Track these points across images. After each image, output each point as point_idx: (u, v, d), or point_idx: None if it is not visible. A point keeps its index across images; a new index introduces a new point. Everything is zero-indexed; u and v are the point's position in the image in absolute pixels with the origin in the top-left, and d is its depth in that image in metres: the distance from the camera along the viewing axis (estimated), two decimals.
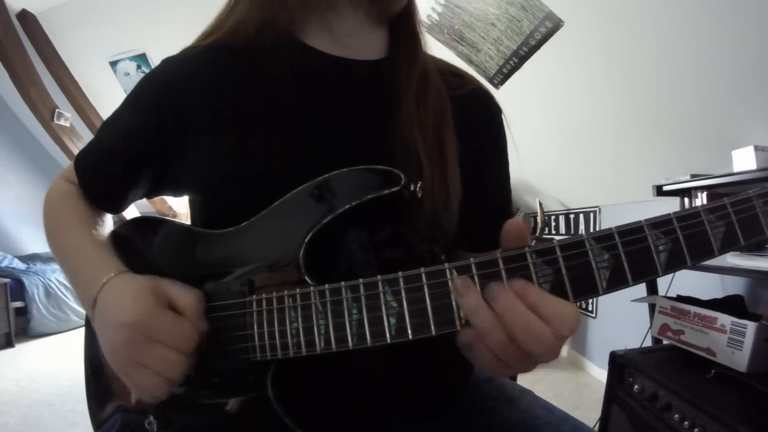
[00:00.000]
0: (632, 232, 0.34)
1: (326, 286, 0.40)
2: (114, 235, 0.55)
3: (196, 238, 0.51)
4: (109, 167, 0.54)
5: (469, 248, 0.59)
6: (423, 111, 0.51)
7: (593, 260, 0.34)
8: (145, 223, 0.55)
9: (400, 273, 0.38)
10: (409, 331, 0.37)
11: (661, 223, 0.34)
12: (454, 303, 0.36)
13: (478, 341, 0.35)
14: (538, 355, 0.33)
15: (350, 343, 0.38)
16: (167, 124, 0.50)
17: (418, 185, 0.46)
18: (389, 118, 0.51)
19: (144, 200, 0.64)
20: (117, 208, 0.58)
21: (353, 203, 0.43)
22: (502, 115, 0.61)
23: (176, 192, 0.57)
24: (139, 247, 0.54)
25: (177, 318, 0.41)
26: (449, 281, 0.36)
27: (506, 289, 0.34)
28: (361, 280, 0.39)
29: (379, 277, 0.38)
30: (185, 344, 0.40)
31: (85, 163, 0.56)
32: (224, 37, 0.52)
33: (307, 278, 0.43)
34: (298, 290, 0.41)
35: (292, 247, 0.44)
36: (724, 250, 0.33)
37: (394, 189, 0.43)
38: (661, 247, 0.33)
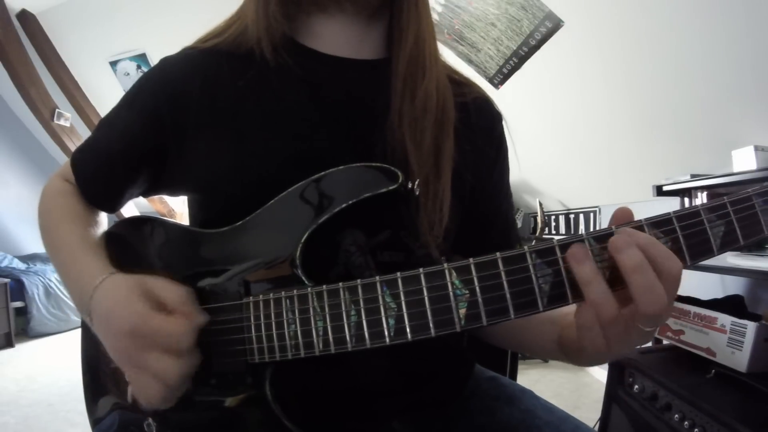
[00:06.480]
0: None
1: (324, 287, 0.40)
2: (108, 234, 0.55)
3: (190, 238, 0.50)
4: (106, 167, 0.54)
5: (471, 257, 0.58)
6: (410, 105, 0.49)
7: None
8: (140, 223, 0.54)
9: (398, 273, 0.37)
10: (408, 333, 0.36)
11: (661, 222, 0.33)
12: (453, 303, 0.35)
13: (595, 321, 0.33)
14: (651, 317, 0.32)
15: (349, 345, 0.38)
16: (165, 124, 0.50)
17: (416, 183, 0.45)
18: (384, 119, 0.50)
19: (144, 201, 0.64)
20: (113, 207, 0.57)
21: (350, 202, 0.42)
22: (504, 123, 0.61)
23: (173, 191, 0.57)
24: (132, 246, 0.53)
25: (167, 319, 0.40)
26: (448, 284, 0.36)
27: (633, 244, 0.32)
28: (359, 281, 0.38)
29: (377, 278, 0.38)
30: (178, 344, 0.39)
31: (81, 162, 0.55)
32: (223, 44, 0.52)
33: (304, 279, 0.42)
34: (295, 291, 0.41)
35: (288, 247, 0.43)
36: (723, 249, 0.33)
37: (391, 187, 0.42)
38: None
